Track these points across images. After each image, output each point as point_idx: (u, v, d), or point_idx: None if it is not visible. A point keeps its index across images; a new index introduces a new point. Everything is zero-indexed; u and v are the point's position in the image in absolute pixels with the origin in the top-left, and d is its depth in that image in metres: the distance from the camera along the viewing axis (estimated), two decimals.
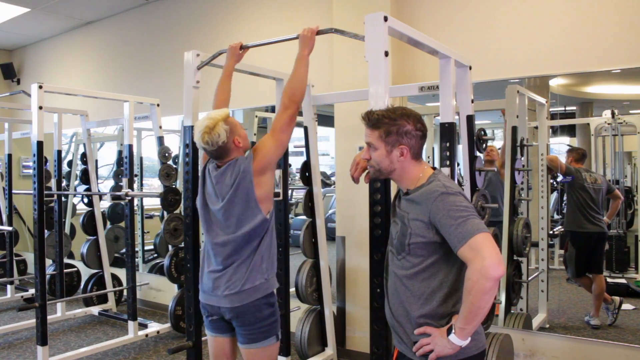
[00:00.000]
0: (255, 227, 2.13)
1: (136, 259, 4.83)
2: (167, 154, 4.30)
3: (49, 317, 3.88)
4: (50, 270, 4.91)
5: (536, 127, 3.70)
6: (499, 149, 3.78)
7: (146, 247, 5.84)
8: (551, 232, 3.75)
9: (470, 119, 2.54)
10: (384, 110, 1.73)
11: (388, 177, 1.75)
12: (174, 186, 4.26)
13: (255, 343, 2.18)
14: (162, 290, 5.18)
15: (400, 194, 1.76)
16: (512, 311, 3.40)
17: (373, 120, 1.69)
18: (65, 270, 4.94)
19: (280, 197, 3.18)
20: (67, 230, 5.61)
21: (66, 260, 5.09)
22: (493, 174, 3.73)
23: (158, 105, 4.38)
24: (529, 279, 3.54)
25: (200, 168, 2.37)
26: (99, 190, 5.09)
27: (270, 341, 2.20)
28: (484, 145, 2.86)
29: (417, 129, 1.68)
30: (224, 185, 2.17)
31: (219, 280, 2.17)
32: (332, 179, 5.34)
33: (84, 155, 4.95)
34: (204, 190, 2.26)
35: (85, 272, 5.24)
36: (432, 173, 1.69)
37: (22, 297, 5.48)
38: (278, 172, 3.16)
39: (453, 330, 1.53)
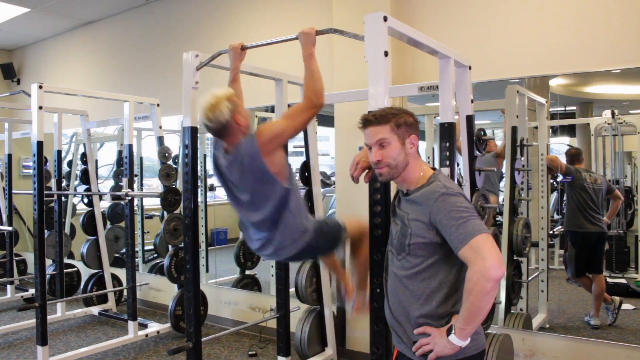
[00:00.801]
0: (280, 199, 2.20)
1: (136, 259, 4.83)
2: (167, 154, 4.31)
3: (49, 317, 3.88)
4: (50, 270, 4.91)
5: (536, 127, 3.70)
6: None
7: (146, 247, 5.84)
8: (551, 232, 3.75)
9: (470, 119, 2.54)
10: (381, 108, 1.73)
11: (399, 174, 1.68)
12: (174, 186, 4.26)
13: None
14: (162, 290, 5.19)
15: (400, 194, 1.76)
16: (512, 311, 3.40)
17: (379, 116, 1.67)
18: (65, 270, 4.94)
19: None
20: (67, 230, 5.61)
21: (66, 260, 5.09)
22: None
23: (158, 105, 4.38)
24: (529, 279, 3.54)
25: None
26: (99, 190, 5.09)
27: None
28: (484, 145, 2.86)
29: (416, 121, 1.71)
30: (236, 177, 2.23)
31: (262, 246, 2.34)
32: (332, 179, 5.34)
33: (84, 155, 4.95)
34: (223, 179, 2.33)
35: (85, 272, 5.24)
36: (432, 173, 1.69)
37: (22, 297, 5.48)
38: None
39: (453, 331, 1.53)
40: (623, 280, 3.73)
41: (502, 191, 3.93)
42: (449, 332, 1.55)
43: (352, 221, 2.42)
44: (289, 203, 2.21)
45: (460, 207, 1.54)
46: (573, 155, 3.73)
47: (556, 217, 3.99)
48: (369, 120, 1.69)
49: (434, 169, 1.74)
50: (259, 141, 2.14)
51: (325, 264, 2.87)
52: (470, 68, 2.54)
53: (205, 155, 5.40)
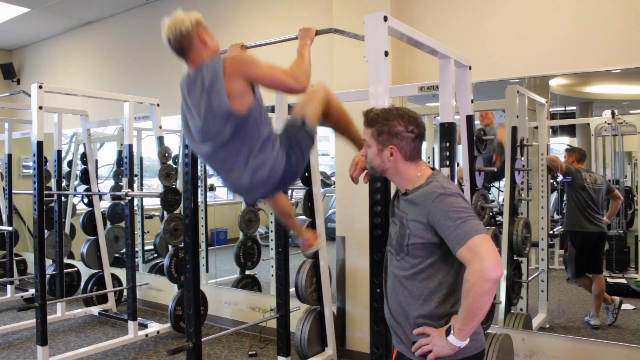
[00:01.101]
0: (237, 129, 1.99)
1: (136, 259, 4.83)
2: (167, 154, 4.31)
3: (49, 317, 3.87)
4: (50, 270, 4.91)
5: (536, 127, 3.70)
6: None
7: (146, 247, 5.84)
8: (551, 232, 3.75)
9: (470, 119, 2.54)
10: (382, 109, 1.73)
11: (383, 175, 1.76)
12: (174, 186, 4.26)
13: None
14: (162, 290, 5.19)
15: (399, 193, 1.76)
16: (512, 311, 3.40)
17: (369, 118, 1.71)
18: (65, 270, 4.94)
19: None
20: (67, 230, 5.61)
21: (66, 260, 5.09)
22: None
23: (158, 105, 4.38)
24: (529, 279, 3.54)
25: None
26: (99, 190, 5.09)
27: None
28: (484, 145, 2.86)
29: (409, 130, 1.66)
30: (195, 98, 2.05)
31: (237, 185, 2.10)
32: (332, 179, 5.34)
33: (84, 155, 4.95)
34: (184, 104, 2.18)
35: (85, 272, 5.24)
36: (430, 174, 1.69)
37: (22, 297, 5.48)
38: None
39: (452, 331, 1.53)
40: (623, 280, 3.73)
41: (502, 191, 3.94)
42: (447, 333, 1.55)
43: (304, 103, 2.17)
44: (257, 130, 2.01)
45: (458, 207, 1.54)
46: (580, 155, 3.72)
47: (556, 217, 3.99)
48: (364, 118, 1.74)
49: (433, 169, 1.74)
50: (225, 61, 1.99)
51: (279, 214, 2.63)
52: (470, 68, 2.54)
53: None
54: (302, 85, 2.04)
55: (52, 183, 4.92)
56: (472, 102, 2.55)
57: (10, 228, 5.17)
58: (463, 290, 1.48)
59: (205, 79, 1.99)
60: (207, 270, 5.28)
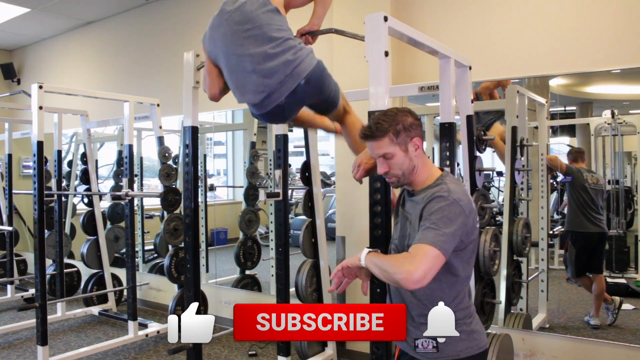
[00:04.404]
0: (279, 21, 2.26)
1: (136, 259, 4.83)
2: (167, 154, 4.30)
3: (49, 317, 3.87)
4: (50, 270, 4.91)
5: (536, 127, 3.70)
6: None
7: (146, 247, 5.84)
8: (551, 232, 3.75)
9: (470, 119, 2.55)
10: (377, 116, 1.65)
11: (409, 182, 1.66)
12: (174, 186, 4.26)
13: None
14: (162, 290, 5.19)
15: (405, 194, 1.75)
16: (512, 311, 3.40)
17: (374, 130, 1.61)
18: (65, 270, 4.94)
19: (280, 197, 3.18)
20: (67, 230, 5.61)
21: (66, 260, 5.09)
22: None
23: (158, 105, 4.38)
24: (529, 279, 3.54)
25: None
26: (99, 190, 5.09)
27: None
28: (484, 145, 2.86)
29: (416, 118, 1.65)
30: (246, 12, 2.26)
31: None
32: (332, 179, 5.34)
33: (84, 155, 4.95)
34: (219, 33, 2.33)
35: (85, 272, 5.24)
36: (439, 175, 1.66)
37: (22, 297, 5.48)
38: (278, 172, 3.17)
39: (368, 252, 1.53)
40: (623, 280, 3.73)
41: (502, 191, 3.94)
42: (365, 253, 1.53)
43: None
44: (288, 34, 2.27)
45: (444, 215, 1.49)
46: (574, 154, 3.72)
47: (556, 217, 3.99)
48: (368, 135, 1.63)
49: (441, 169, 1.73)
50: None
51: (305, 123, 2.69)
52: (470, 68, 2.55)
53: (205, 156, 5.40)
54: None
55: (52, 183, 4.92)
56: (472, 102, 2.55)
57: (10, 228, 5.17)
58: (394, 256, 1.52)
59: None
60: (207, 270, 5.28)
